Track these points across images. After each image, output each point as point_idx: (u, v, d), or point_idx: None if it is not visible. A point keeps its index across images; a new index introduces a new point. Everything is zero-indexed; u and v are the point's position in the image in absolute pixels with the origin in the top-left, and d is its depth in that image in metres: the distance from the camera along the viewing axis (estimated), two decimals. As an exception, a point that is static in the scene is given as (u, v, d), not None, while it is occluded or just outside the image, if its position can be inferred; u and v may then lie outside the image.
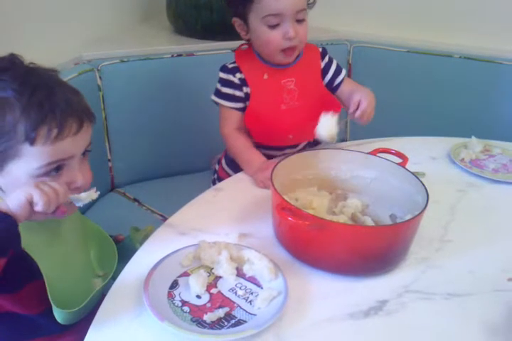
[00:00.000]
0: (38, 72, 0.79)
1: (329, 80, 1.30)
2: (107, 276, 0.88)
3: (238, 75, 1.22)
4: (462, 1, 1.76)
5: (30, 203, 0.69)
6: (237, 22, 1.23)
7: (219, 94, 1.25)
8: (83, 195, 0.80)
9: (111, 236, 0.98)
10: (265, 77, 1.23)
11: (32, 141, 0.73)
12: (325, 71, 1.30)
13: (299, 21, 1.17)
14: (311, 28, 1.40)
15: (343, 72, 1.32)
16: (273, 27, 1.16)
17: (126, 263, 0.86)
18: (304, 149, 1.38)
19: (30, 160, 0.74)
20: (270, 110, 1.23)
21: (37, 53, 1.37)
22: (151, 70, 1.57)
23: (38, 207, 0.69)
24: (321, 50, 1.31)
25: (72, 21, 1.58)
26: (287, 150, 1.31)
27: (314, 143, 1.38)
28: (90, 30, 1.68)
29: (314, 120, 1.12)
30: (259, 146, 1.26)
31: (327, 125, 1.10)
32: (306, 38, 1.21)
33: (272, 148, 1.30)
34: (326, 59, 1.31)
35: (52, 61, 1.42)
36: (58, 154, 0.76)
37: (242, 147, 1.22)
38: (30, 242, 0.75)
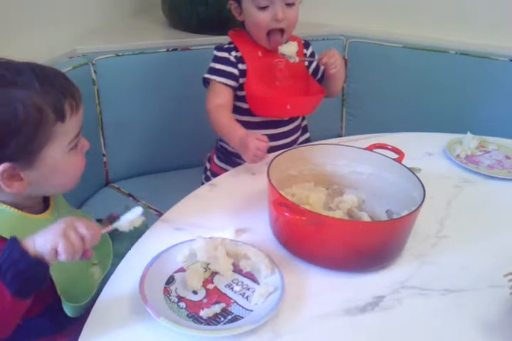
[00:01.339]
0: (18, 61, 0.79)
1: (314, 69, 1.39)
2: (102, 264, 0.89)
3: (234, 53, 1.29)
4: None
5: (56, 252, 0.68)
6: (232, 5, 1.30)
7: (212, 71, 1.30)
8: (125, 222, 0.76)
9: (101, 219, 0.98)
10: (260, 54, 1.30)
11: (63, 118, 0.76)
12: (311, 58, 1.39)
13: (289, 5, 1.24)
14: (307, 23, 1.40)
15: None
16: (263, 8, 1.22)
17: (126, 242, 0.88)
18: (295, 143, 1.43)
19: (62, 137, 0.77)
20: (266, 84, 1.29)
21: (32, 47, 1.38)
22: (146, 64, 1.57)
23: (61, 258, 0.68)
24: (303, 41, 1.39)
25: (67, 15, 1.57)
26: (281, 129, 1.37)
27: (305, 142, 1.44)
28: (85, 23, 1.67)
29: (304, 96, 1.31)
30: (253, 125, 1.32)
31: (289, 49, 1.24)
32: (295, 21, 1.27)
33: (267, 125, 1.35)
34: (310, 49, 1.40)
35: (47, 54, 1.43)
36: (79, 124, 0.81)
37: (225, 121, 1.24)
38: None
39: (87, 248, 0.70)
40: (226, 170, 1.36)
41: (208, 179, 1.46)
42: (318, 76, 1.40)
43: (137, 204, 0.78)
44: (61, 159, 0.78)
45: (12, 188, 0.76)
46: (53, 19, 1.51)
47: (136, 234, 0.96)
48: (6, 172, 0.74)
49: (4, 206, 0.78)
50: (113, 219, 1.00)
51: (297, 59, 1.25)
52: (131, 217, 0.76)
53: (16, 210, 0.79)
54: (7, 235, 0.75)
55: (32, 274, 0.67)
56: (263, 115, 1.33)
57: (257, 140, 1.08)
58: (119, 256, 0.88)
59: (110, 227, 0.75)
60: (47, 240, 0.68)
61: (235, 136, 1.17)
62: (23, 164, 0.75)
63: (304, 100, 1.33)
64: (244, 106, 1.32)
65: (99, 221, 1.01)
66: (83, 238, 0.69)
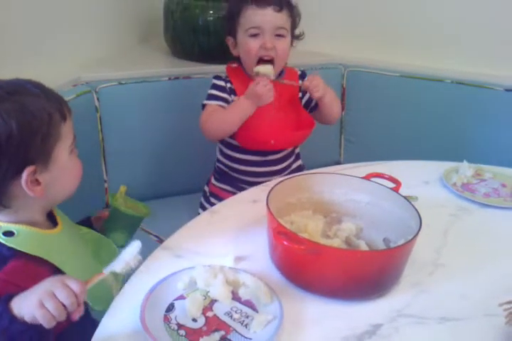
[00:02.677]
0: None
1: (308, 99, 1.44)
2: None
3: (228, 85, 1.39)
4: (454, 26, 1.80)
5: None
6: (229, 40, 1.40)
7: (209, 96, 1.38)
8: (121, 264, 0.74)
9: (89, 217, 1.06)
10: None
11: (65, 119, 0.84)
12: (304, 90, 1.40)
13: (279, 36, 1.31)
14: (305, 51, 1.44)
15: None
16: (254, 36, 1.31)
17: (125, 230, 0.98)
18: (288, 168, 1.48)
19: (66, 137, 0.84)
20: (254, 118, 1.33)
21: (36, 74, 1.40)
22: (148, 93, 1.60)
23: (45, 325, 0.68)
24: (299, 72, 1.47)
25: (71, 43, 1.61)
26: (270, 157, 1.42)
27: (299, 171, 1.48)
28: (89, 52, 1.71)
29: (292, 131, 1.37)
30: (243, 151, 1.39)
31: (265, 67, 1.30)
32: (284, 53, 1.34)
33: (256, 153, 1.40)
34: (305, 80, 1.42)
35: (50, 82, 1.46)
36: (73, 126, 0.88)
37: (222, 109, 1.34)
38: (55, 253, 0.82)
39: (72, 309, 0.69)
40: (225, 190, 1.45)
41: (207, 200, 1.50)
42: (312, 104, 1.44)
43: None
44: (67, 159, 0.85)
45: (35, 192, 0.81)
46: (58, 47, 1.54)
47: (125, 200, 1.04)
48: (30, 176, 0.79)
49: (24, 226, 0.82)
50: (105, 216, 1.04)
51: (272, 77, 1.31)
52: (127, 258, 0.74)
53: (35, 228, 0.83)
54: (37, 252, 0.80)
55: (26, 339, 0.68)
56: (249, 148, 1.38)
57: (256, 84, 1.25)
58: None
59: (101, 276, 0.73)
60: (27, 309, 0.68)
61: (241, 102, 1.29)
62: (41, 165, 0.81)
63: (287, 136, 1.37)
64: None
65: (88, 219, 1.06)
66: (63, 305, 0.68)
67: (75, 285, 0.69)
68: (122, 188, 1.04)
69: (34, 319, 0.67)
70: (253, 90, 1.26)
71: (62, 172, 0.85)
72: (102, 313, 0.79)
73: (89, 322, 0.85)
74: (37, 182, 0.82)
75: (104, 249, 0.98)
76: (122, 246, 0.98)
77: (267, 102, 1.27)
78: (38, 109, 0.80)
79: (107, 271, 0.74)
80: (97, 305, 0.85)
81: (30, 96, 0.81)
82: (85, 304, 0.79)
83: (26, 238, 0.82)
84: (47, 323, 0.67)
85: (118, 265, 0.74)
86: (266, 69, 1.30)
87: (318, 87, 1.30)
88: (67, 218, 0.96)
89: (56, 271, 0.82)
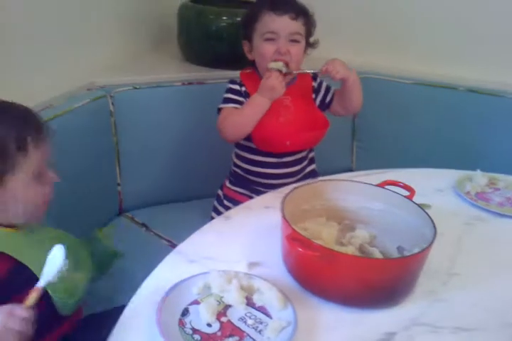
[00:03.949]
0: None
1: (322, 97, 1.45)
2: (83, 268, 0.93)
3: (243, 88, 1.41)
4: (467, 34, 1.81)
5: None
6: (245, 44, 1.42)
7: (225, 100, 1.40)
8: (51, 277, 0.76)
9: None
10: None
11: (25, 150, 0.80)
12: (317, 90, 1.45)
13: (293, 41, 1.33)
14: (315, 57, 1.45)
15: (332, 88, 1.46)
16: (269, 41, 1.33)
17: (98, 264, 0.97)
18: (301, 175, 1.48)
19: (24, 168, 0.81)
20: (269, 121, 1.35)
21: (51, 79, 1.42)
22: (162, 97, 1.61)
23: None
24: (311, 74, 1.47)
25: (87, 48, 1.62)
26: (285, 159, 1.43)
27: (313, 175, 1.50)
28: (104, 57, 1.72)
29: (307, 132, 1.37)
30: (260, 153, 1.41)
31: (276, 64, 1.31)
32: (297, 58, 1.35)
33: (272, 155, 1.42)
34: (318, 80, 1.46)
35: (66, 86, 1.48)
36: (45, 156, 0.85)
37: (237, 109, 1.35)
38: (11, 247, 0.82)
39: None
40: (240, 193, 1.47)
41: (221, 203, 1.51)
42: (328, 99, 1.45)
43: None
44: (23, 190, 0.82)
45: None
46: (73, 53, 1.56)
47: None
48: None
49: None
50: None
51: (285, 69, 1.31)
52: (56, 265, 0.76)
53: None
54: None
55: None
56: (265, 149, 1.40)
57: (267, 78, 1.28)
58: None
59: (37, 291, 0.74)
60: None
61: (255, 99, 1.31)
62: None
63: (303, 137, 1.39)
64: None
65: None
66: (26, 319, 0.71)
67: (20, 312, 0.71)
68: (106, 231, 1.07)
69: None
70: (265, 83, 1.29)
71: (15, 200, 0.82)
72: None
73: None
74: None
75: (83, 252, 0.97)
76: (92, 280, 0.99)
77: (279, 95, 1.30)
78: None
79: (41, 284, 0.75)
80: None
81: None
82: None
83: None
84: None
85: (50, 274, 0.76)
86: (278, 65, 1.32)
87: (338, 69, 1.31)
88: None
89: (16, 265, 0.81)
